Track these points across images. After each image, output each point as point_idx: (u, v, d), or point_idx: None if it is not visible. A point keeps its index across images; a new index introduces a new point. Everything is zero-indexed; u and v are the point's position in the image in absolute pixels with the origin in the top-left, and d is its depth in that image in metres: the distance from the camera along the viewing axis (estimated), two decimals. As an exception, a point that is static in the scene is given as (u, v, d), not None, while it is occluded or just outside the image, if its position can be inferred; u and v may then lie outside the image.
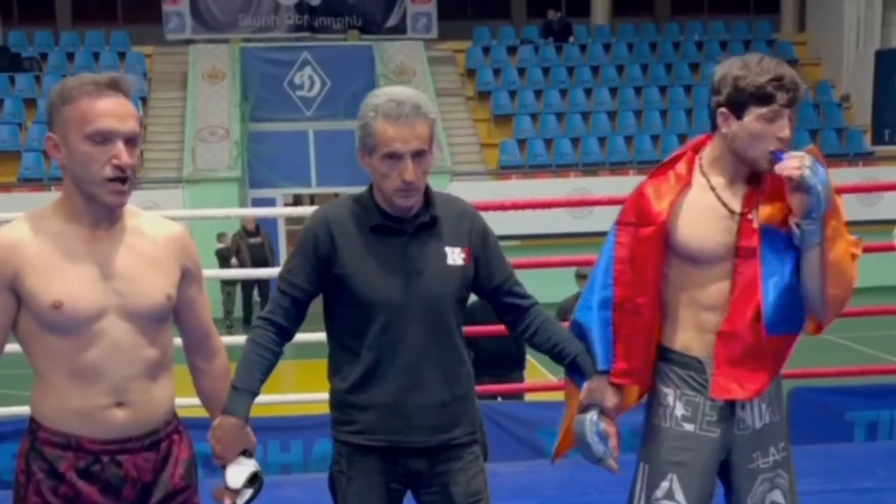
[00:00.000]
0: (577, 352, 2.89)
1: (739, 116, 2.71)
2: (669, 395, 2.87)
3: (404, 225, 2.76)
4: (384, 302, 2.73)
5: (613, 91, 20.39)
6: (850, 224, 2.85)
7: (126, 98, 2.42)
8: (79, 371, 2.42)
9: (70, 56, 20.43)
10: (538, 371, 10.19)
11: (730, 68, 2.73)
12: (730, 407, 2.83)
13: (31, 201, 14.12)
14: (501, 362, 6.92)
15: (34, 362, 2.48)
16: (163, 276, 2.52)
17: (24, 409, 4.45)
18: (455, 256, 2.80)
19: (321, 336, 3.05)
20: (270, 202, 18.05)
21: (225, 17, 21.36)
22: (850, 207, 2.93)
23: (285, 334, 2.81)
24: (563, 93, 20.36)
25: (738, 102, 2.70)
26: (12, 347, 2.52)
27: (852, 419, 5.86)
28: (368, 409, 2.78)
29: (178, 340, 2.72)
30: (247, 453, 2.69)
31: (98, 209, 2.43)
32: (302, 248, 2.80)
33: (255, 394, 2.73)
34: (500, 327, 3.05)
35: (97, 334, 2.41)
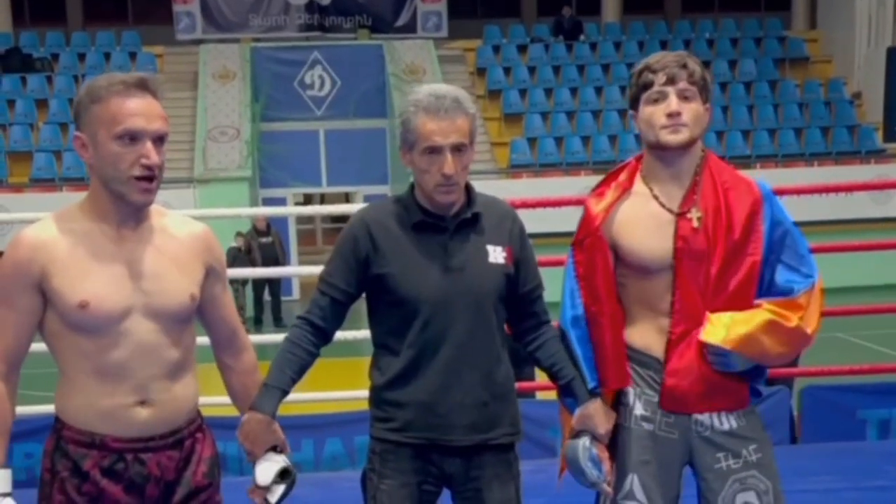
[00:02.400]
0: (572, 376, 2.88)
1: (637, 110, 2.81)
2: (630, 393, 2.86)
3: (445, 222, 2.76)
4: (425, 299, 2.72)
5: (624, 89, 20.28)
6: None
7: (154, 98, 2.45)
8: (104, 370, 2.44)
9: (81, 56, 20.46)
10: (549, 370, 10.17)
11: None
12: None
13: (42, 201, 14.17)
14: (513, 360, 6.89)
15: (59, 361, 2.49)
16: (187, 276, 2.54)
17: (35, 409, 4.48)
18: (497, 255, 2.79)
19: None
20: (281, 201, 18.09)
21: (235, 16, 21.37)
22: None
23: (321, 334, 2.81)
24: (574, 91, 20.33)
25: (634, 99, 2.82)
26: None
27: (864, 417, 5.84)
28: (406, 406, 2.77)
29: (201, 339, 2.72)
30: (276, 449, 2.68)
31: (125, 208, 2.45)
32: (341, 250, 2.80)
33: (286, 391, 2.74)
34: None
35: (122, 334, 2.43)
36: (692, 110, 2.75)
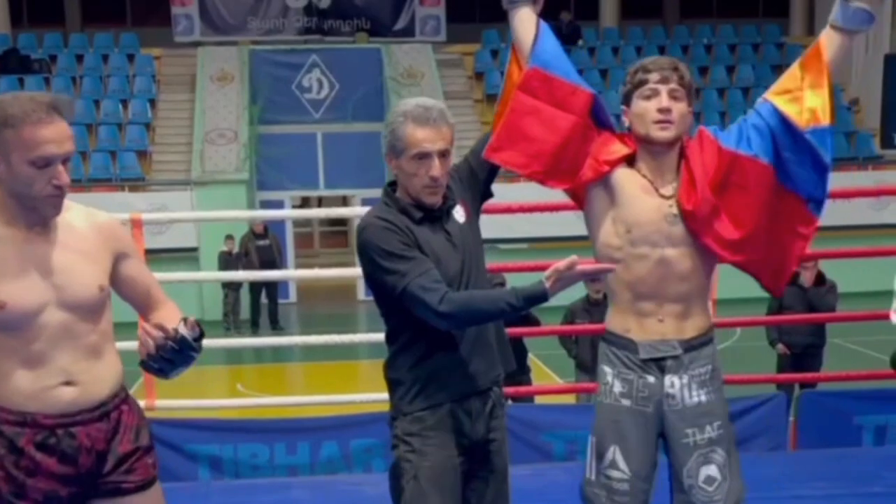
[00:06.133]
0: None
1: (629, 106, 3.14)
2: (609, 374, 3.15)
3: (440, 212, 3.04)
4: (454, 275, 2.97)
5: (622, 94, 20.37)
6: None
7: (63, 119, 2.61)
8: (28, 359, 2.65)
9: (79, 58, 20.46)
10: (545, 374, 10.19)
11: None
12: (660, 384, 3.09)
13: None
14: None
15: None
16: (95, 267, 2.75)
17: None
18: (461, 215, 3.08)
19: (327, 339, 3.05)
20: (279, 204, 18.07)
21: (234, 19, 21.39)
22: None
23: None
24: (572, 96, 20.29)
25: (626, 96, 3.15)
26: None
27: (861, 423, 5.85)
28: (440, 371, 2.98)
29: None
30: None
31: (34, 215, 2.66)
32: (400, 248, 2.92)
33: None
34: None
35: (41, 326, 2.65)
36: (680, 109, 3.06)
